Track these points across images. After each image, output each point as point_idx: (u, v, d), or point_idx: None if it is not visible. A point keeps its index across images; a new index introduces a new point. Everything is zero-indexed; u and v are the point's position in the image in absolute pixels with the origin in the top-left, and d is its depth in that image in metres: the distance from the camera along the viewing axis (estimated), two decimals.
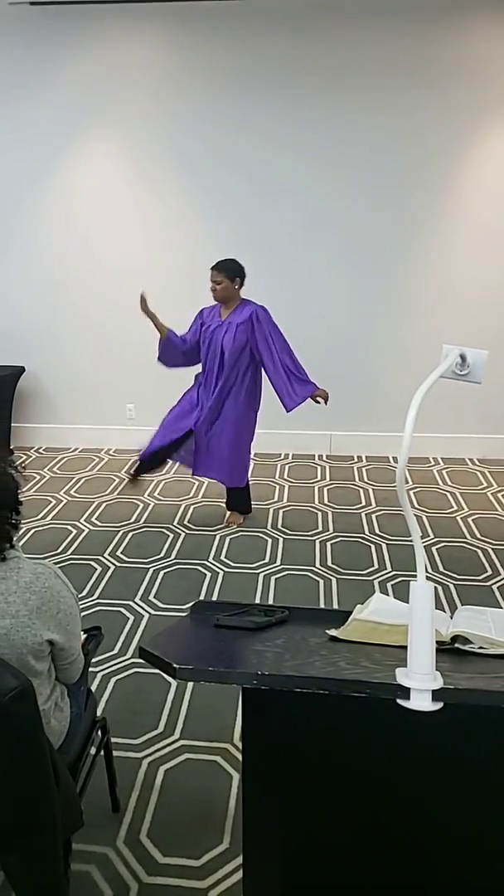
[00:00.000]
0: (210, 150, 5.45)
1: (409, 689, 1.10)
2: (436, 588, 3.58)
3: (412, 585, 1.14)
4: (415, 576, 1.14)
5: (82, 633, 1.93)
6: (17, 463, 1.75)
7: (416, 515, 4.62)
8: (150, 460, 4.42)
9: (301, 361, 4.16)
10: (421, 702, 1.08)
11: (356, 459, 5.78)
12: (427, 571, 3.92)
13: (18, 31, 5.33)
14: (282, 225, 5.53)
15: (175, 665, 1.17)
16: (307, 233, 5.52)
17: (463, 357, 1.32)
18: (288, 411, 4.13)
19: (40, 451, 6.05)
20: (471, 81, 5.15)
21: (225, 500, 4.59)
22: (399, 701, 1.10)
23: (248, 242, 5.57)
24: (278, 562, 4.02)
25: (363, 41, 5.14)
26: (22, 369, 5.88)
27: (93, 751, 2.03)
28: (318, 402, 4.16)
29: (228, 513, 4.57)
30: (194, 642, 1.38)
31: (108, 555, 4.10)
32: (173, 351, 4.25)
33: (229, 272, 4.05)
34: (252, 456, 4.47)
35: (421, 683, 1.08)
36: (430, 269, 5.53)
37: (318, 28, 5.14)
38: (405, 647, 1.19)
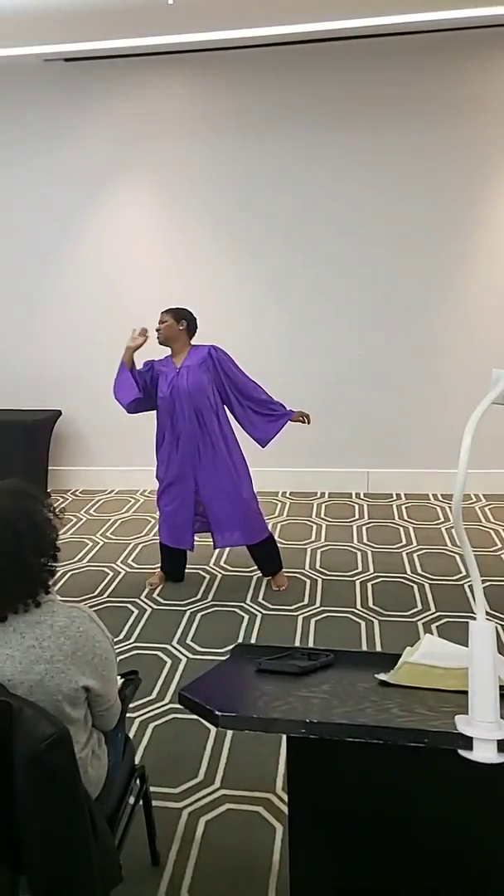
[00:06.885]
0: (238, 196, 5.52)
1: (471, 738, 1.02)
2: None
3: (471, 626, 1.07)
4: (462, 617, 1.06)
5: (119, 677, 1.87)
6: (55, 507, 1.73)
7: (458, 554, 4.52)
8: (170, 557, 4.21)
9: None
10: (486, 753, 1.00)
11: (395, 497, 5.68)
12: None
13: (53, 85, 5.52)
14: (311, 264, 5.54)
15: (217, 712, 1.10)
16: (338, 269, 5.52)
17: None
18: (263, 447, 3.95)
19: (77, 493, 6.06)
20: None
21: (258, 568, 4.18)
22: (461, 752, 1.02)
23: (278, 284, 5.60)
24: (318, 603, 3.92)
25: (389, 84, 5.21)
26: (59, 413, 5.93)
27: (131, 800, 1.95)
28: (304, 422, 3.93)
29: (272, 579, 4.18)
30: (236, 687, 1.31)
31: (145, 597, 4.04)
32: (128, 383, 3.93)
33: (175, 314, 3.88)
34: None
35: (486, 733, 0.99)
36: (465, 301, 5.48)
37: (339, 72, 5.23)
38: (462, 693, 1.11)
